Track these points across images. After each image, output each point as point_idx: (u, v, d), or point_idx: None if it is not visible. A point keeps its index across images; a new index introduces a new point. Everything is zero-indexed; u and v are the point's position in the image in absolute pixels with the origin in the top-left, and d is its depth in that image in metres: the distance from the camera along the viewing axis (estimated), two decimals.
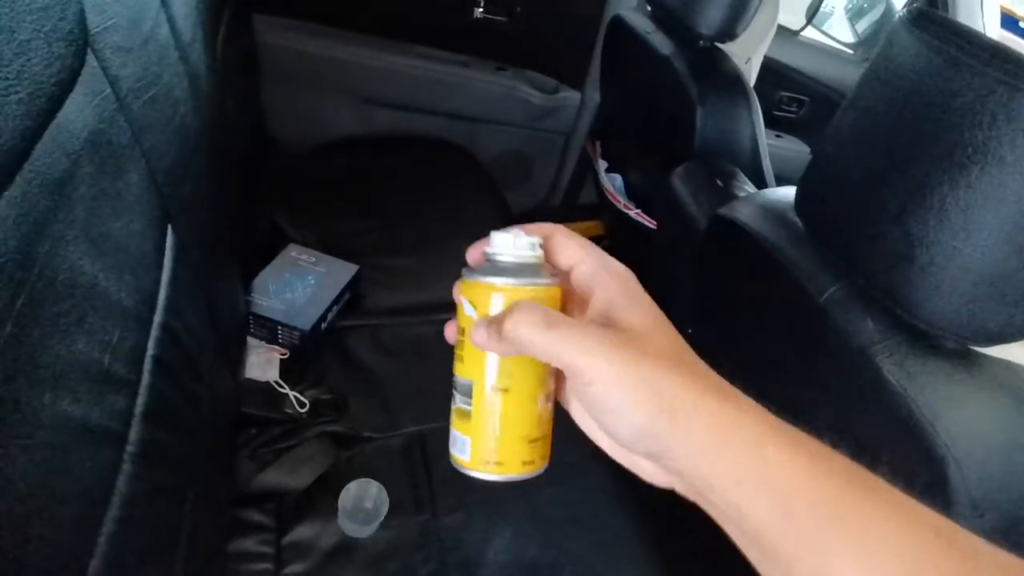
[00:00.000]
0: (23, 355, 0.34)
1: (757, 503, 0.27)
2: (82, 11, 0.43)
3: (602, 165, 1.51)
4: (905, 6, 1.52)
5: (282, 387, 0.97)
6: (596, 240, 1.98)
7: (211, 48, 0.82)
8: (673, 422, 0.28)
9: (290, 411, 0.95)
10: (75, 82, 0.42)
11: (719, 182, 1.01)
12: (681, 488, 0.30)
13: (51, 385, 0.36)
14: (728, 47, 1.18)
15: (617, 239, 1.68)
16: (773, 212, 0.79)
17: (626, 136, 1.46)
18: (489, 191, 1.51)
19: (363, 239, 1.27)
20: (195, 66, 0.70)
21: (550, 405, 0.33)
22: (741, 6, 1.06)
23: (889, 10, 1.83)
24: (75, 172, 0.41)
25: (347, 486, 0.85)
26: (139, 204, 0.51)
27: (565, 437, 1.15)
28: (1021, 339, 0.58)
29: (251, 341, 1.02)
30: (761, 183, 1.09)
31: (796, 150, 1.81)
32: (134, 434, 0.46)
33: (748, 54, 1.34)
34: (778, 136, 1.84)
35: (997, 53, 0.51)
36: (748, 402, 0.29)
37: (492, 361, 0.31)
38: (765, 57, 1.50)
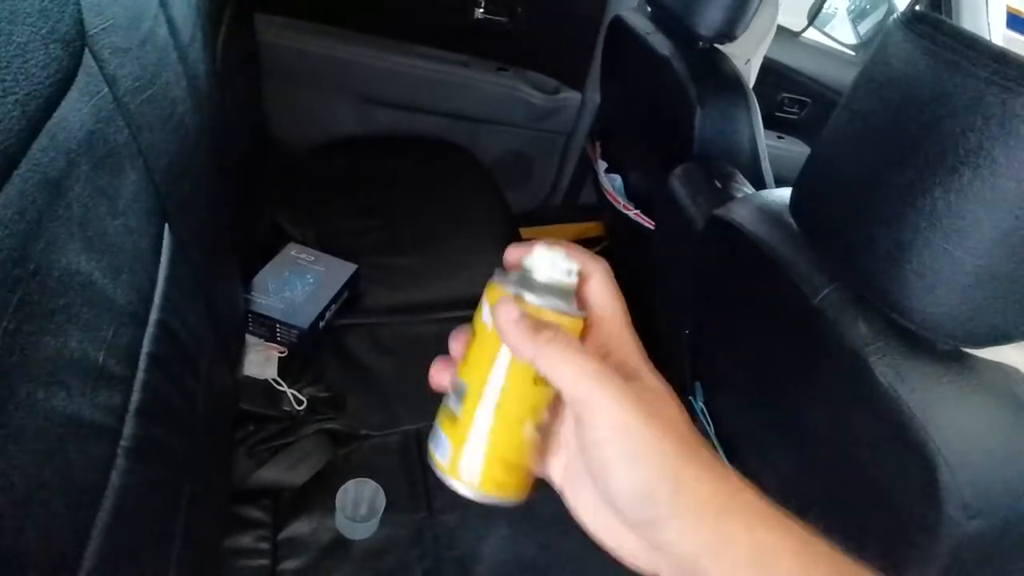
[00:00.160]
0: (18, 350, 0.35)
1: None
2: (79, 13, 0.43)
3: (602, 165, 1.52)
4: (908, 7, 1.51)
5: (280, 385, 0.98)
6: (596, 240, 1.99)
7: (211, 48, 0.83)
8: (675, 490, 0.27)
9: (288, 408, 0.95)
10: (72, 82, 0.42)
11: (718, 183, 1.01)
12: (664, 570, 0.29)
13: (45, 380, 0.37)
14: (728, 48, 1.18)
15: (616, 239, 1.68)
16: (769, 213, 0.79)
17: (626, 137, 1.46)
18: (489, 191, 1.52)
19: (363, 238, 1.27)
20: (194, 66, 0.70)
21: (537, 437, 0.32)
22: (740, 8, 1.06)
23: (891, 12, 1.82)
24: (72, 171, 0.42)
25: (344, 486, 0.85)
26: (136, 203, 0.51)
27: None
28: (1013, 341, 0.58)
29: (250, 339, 1.03)
30: (760, 184, 1.09)
31: (797, 151, 1.81)
32: (128, 429, 0.46)
33: (748, 55, 1.34)
34: (780, 137, 1.84)
35: (990, 55, 0.51)
36: (742, 481, 0.29)
37: (493, 371, 0.31)
38: (767, 58, 1.50)
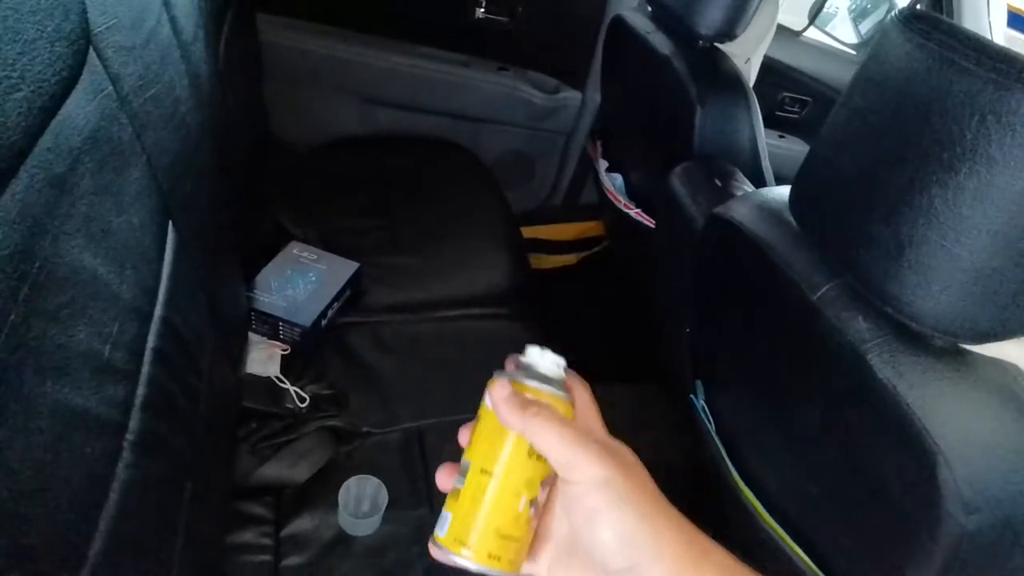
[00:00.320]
0: (26, 344, 0.35)
1: None
2: (84, 11, 0.44)
3: (603, 165, 1.52)
4: (908, 6, 1.52)
5: (283, 382, 0.98)
6: (597, 240, 1.99)
7: (214, 47, 0.84)
8: (655, 536, 0.31)
9: (291, 406, 0.96)
10: (77, 80, 0.43)
11: (718, 182, 1.02)
12: None
13: (52, 374, 0.38)
14: (728, 47, 1.18)
15: (617, 238, 1.68)
16: (768, 211, 0.79)
17: (626, 136, 1.47)
18: (491, 191, 1.52)
19: (364, 238, 1.28)
20: (197, 65, 0.71)
21: (532, 513, 0.35)
22: (740, 7, 1.07)
23: (892, 11, 1.82)
24: (77, 168, 0.42)
25: (346, 483, 0.86)
26: (140, 200, 0.52)
27: None
28: (1011, 337, 0.58)
29: (253, 337, 1.03)
30: (761, 183, 1.09)
31: (798, 151, 1.81)
32: (133, 424, 0.47)
33: (748, 54, 1.34)
34: (781, 136, 1.84)
35: (986, 52, 0.52)
36: (710, 541, 0.33)
37: (491, 446, 0.34)
38: (767, 57, 1.51)
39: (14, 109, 0.35)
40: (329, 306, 1.07)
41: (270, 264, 1.12)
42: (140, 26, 0.55)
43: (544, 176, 1.81)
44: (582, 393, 0.37)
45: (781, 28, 1.54)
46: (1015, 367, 0.61)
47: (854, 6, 1.92)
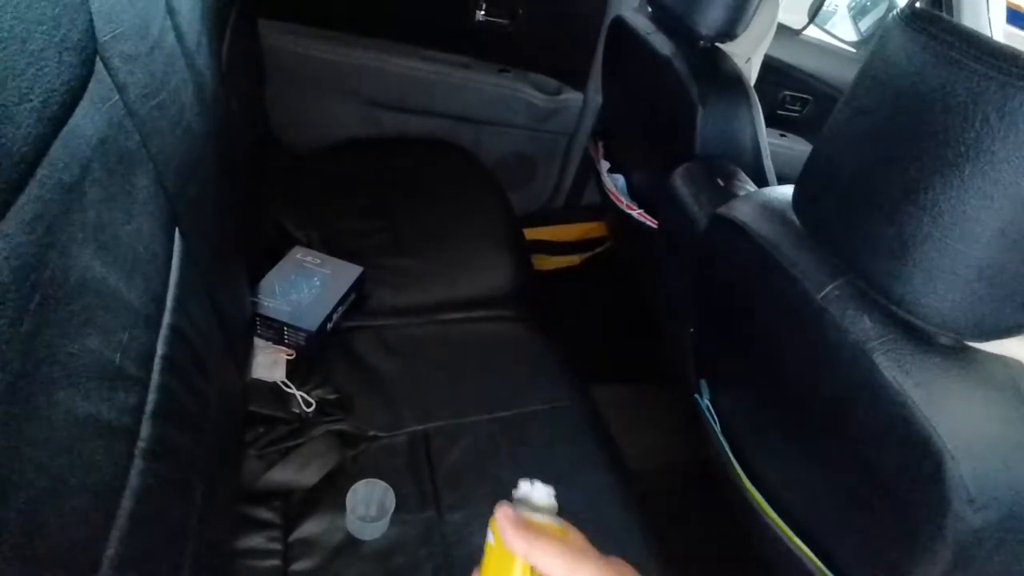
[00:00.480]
0: (38, 352, 0.36)
1: None
2: (91, 20, 0.44)
3: (605, 166, 1.52)
4: (908, 4, 1.52)
5: (289, 387, 0.98)
6: (599, 240, 2.00)
7: (216, 53, 0.84)
8: None
9: (296, 410, 0.96)
10: (85, 89, 0.43)
11: (720, 182, 1.02)
12: None
13: (65, 382, 0.38)
14: (728, 47, 1.19)
15: (620, 239, 1.68)
16: (772, 211, 0.79)
17: (628, 136, 1.47)
18: (493, 192, 1.52)
19: (367, 240, 1.28)
20: (200, 72, 0.71)
21: None
22: (740, 7, 1.07)
23: (892, 8, 1.82)
24: (86, 177, 0.42)
25: (354, 487, 0.86)
26: (147, 207, 0.52)
27: (567, 437, 1.16)
28: (1016, 334, 0.58)
29: (258, 342, 1.04)
30: (763, 182, 1.10)
31: (800, 149, 1.81)
32: (145, 430, 0.47)
33: (748, 54, 1.34)
34: (782, 135, 1.84)
35: (988, 50, 0.52)
36: None
37: (497, 573, 0.38)
38: (768, 56, 1.51)
39: (25, 119, 0.35)
40: (334, 310, 1.08)
41: (274, 269, 1.12)
42: (145, 34, 0.55)
43: (546, 177, 1.82)
44: (568, 523, 0.41)
45: (781, 27, 1.54)
46: (1019, 364, 0.61)
47: (854, 4, 1.92)
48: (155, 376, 0.51)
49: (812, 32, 1.76)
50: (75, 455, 0.39)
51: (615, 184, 1.45)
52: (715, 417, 0.95)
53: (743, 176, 1.03)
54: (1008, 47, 0.52)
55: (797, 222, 0.74)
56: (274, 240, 1.22)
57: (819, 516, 0.76)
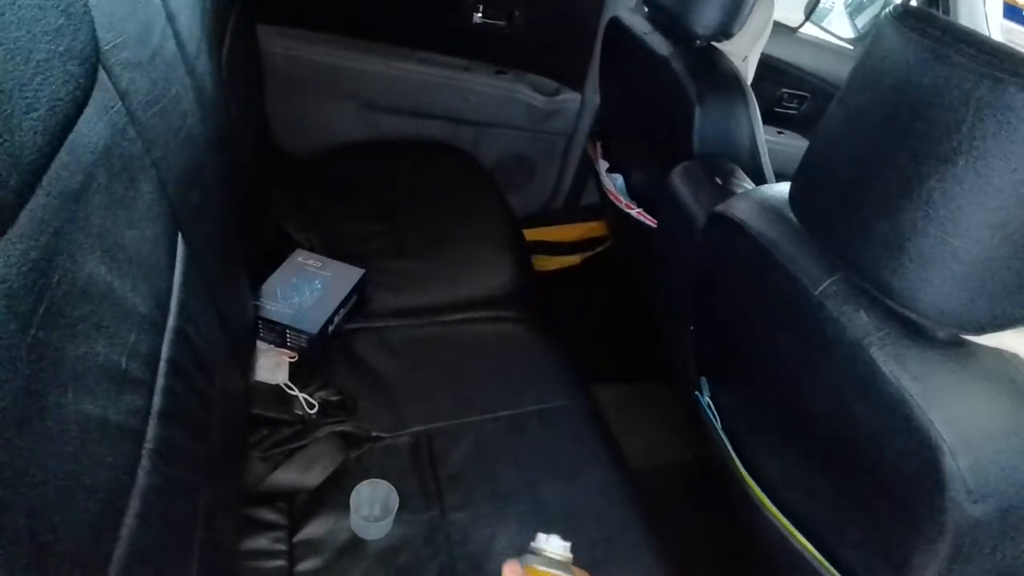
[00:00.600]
0: (46, 356, 0.36)
1: None
2: (93, 30, 0.45)
3: (603, 166, 1.53)
4: (903, 1, 1.52)
5: (291, 389, 0.99)
6: (599, 240, 2.00)
7: (216, 59, 0.85)
8: None
9: (300, 412, 0.97)
10: (88, 98, 0.44)
11: (718, 180, 1.02)
12: None
13: (73, 385, 0.39)
14: (724, 46, 1.19)
15: (620, 239, 1.69)
16: (769, 208, 0.80)
17: (626, 136, 1.47)
18: (492, 194, 1.53)
19: (368, 243, 1.29)
20: (201, 78, 0.72)
21: None
22: (736, 6, 1.07)
23: (888, 5, 1.83)
24: (90, 184, 0.43)
25: (357, 487, 0.86)
26: (151, 213, 0.53)
27: (568, 437, 1.16)
28: (1011, 327, 0.59)
29: (260, 345, 1.04)
30: (761, 180, 1.10)
31: (798, 146, 1.81)
32: (151, 432, 0.48)
33: (745, 52, 1.35)
34: (780, 133, 1.84)
35: (981, 46, 0.52)
36: None
37: None
38: (765, 54, 1.51)
39: (31, 129, 0.36)
40: (335, 313, 1.08)
41: (276, 272, 1.13)
42: (146, 42, 0.56)
43: (545, 178, 1.82)
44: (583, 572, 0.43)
45: (777, 24, 1.54)
46: (1016, 356, 0.61)
47: (850, 1, 1.92)
48: (160, 379, 0.51)
49: (809, 29, 1.77)
50: (84, 456, 0.39)
51: (614, 184, 1.45)
52: (716, 414, 0.95)
53: (741, 174, 1.04)
54: (1000, 44, 0.52)
55: (794, 219, 0.74)
56: (275, 244, 1.23)
57: (820, 511, 0.76)
